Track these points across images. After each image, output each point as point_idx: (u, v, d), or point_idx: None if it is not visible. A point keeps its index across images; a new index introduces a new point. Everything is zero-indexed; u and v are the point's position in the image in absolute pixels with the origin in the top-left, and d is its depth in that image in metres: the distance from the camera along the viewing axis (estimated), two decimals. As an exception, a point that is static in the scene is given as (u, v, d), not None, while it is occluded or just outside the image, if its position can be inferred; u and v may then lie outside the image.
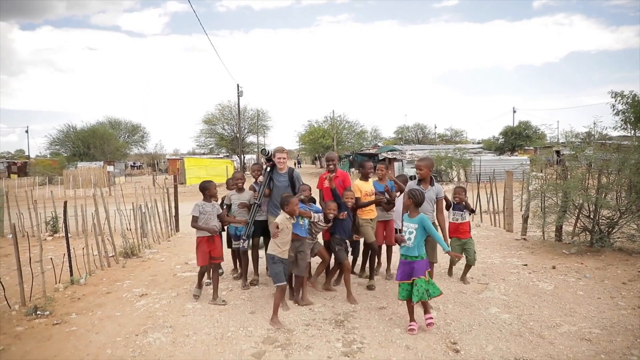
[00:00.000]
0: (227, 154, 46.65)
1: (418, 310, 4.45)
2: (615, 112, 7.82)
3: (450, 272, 6.15)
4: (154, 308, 5.09)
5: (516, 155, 33.87)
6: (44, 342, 4.24)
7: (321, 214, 5.27)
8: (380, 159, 29.90)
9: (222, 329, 4.44)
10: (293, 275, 5.19)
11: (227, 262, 6.49)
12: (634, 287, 5.39)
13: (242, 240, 5.58)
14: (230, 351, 3.97)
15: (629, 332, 4.15)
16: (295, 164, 57.57)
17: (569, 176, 7.72)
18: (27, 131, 58.50)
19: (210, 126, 46.64)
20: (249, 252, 5.96)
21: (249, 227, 5.44)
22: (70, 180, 26.09)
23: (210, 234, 5.18)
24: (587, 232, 7.50)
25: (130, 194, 11.63)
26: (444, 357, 3.80)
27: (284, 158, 5.76)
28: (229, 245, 6.14)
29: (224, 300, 5.22)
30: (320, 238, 5.63)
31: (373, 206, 5.72)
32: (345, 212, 5.29)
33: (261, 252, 6.15)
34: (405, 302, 4.47)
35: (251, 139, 49.10)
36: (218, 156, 44.30)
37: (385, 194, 5.78)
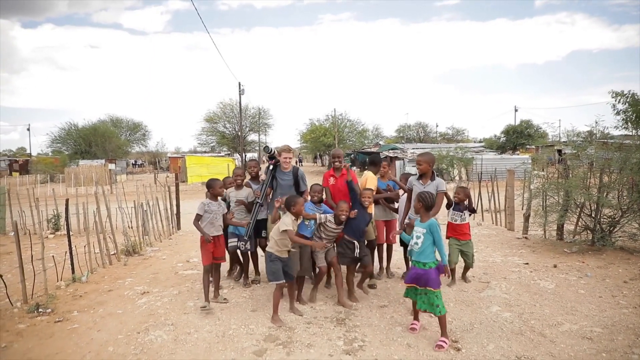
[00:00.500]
0: (229, 152, 46.70)
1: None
2: (616, 111, 7.77)
3: (453, 278, 5.84)
4: (156, 306, 5.11)
5: (518, 154, 33.82)
6: (46, 339, 4.25)
7: (329, 215, 5.01)
8: (382, 157, 29.84)
9: (223, 327, 4.45)
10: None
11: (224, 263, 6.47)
12: (636, 286, 5.39)
13: (242, 243, 5.54)
14: (232, 349, 3.98)
15: (630, 331, 4.15)
16: (296, 162, 57.60)
17: (570, 175, 7.71)
18: (28, 129, 58.79)
19: (211, 124, 46.76)
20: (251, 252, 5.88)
21: (250, 228, 5.31)
22: (72, 178, 26.15)
23: (210, 236, 4.97)
24: (589, 231, 7.49)
25: (132, 192, 11.65)
26: (445, 355, 3.80)
27: (290, 158, 5.62)
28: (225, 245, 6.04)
29: (225, 299, 5.19)
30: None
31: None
32: (356, 210, 4.96)
33: (260, 251, 6.12)
34: (410, 300, 4.40)
35: (252, 137, 49.23)
36: (219, 154, 44.32)
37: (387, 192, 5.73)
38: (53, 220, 10.46)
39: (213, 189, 5.12)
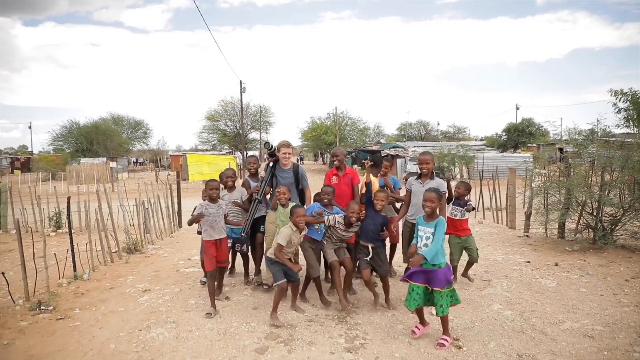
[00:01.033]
0: (230, 150, 46.71)
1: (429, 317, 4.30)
2: (617, 110, 7.76)
3: (454, 277, 5.77)
4: (157, 303, 5.12)
5: (519, 153, 33.78)
6: (48, 336, 4.27)
7: (339, 216, 4.82)
8: (383, 155, 29.84)
9: (225, 325, 4.45)
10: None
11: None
12: (637, 285, 5.38)
13: (238, 245, 5.45)
14: (233, 347, 3.99)
15: (632, 329, 4.15)
16: (297, 160, 57.60)
17: (572, 173, 7.70)
18: (30, 127, 58.74)
19: (213, 122, 46.77)
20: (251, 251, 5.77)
21: (248, 225, 5.12)
22: (74, 176, 26.18)
23: (211, 238, 4.86)
24: (590, 230, 7.48)
25: (133, 190, 11.66)
26: (446, 353, 3.81)
27: (289, 153, 5.48)
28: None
29: (227, 297, 5.18)
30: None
31: None
32: (364, 212, 4.76)
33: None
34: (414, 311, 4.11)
35: (254, 135, 49.20)
36: (221, 152, 44.33)
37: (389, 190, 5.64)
38: (55, 218, 10.47)
39: (205, 190, 4.98)
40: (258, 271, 5.72)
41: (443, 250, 4.02)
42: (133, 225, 8.89)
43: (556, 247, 7.44)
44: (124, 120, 53.90)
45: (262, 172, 5.77)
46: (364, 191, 5.18)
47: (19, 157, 50.77)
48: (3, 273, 5.16)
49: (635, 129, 7.82)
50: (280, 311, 4.60)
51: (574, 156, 8.08)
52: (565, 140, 9.85)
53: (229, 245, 5.40)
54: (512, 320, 4.45)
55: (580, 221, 7.66)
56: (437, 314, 3.97)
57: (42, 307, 4.91)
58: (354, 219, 4.67)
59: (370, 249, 4.75)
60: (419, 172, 5.15)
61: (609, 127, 7.74)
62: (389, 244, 5.97)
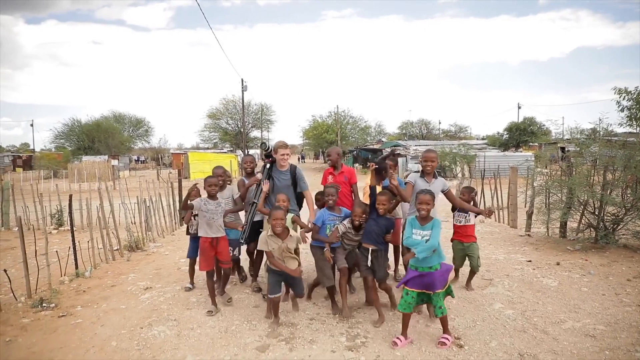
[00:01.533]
0: (231, 148, 46.75)
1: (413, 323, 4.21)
2: (620, 108, 7.73)
3: (456, 276, 5.58)
4: (159, 301, 5.12)
5: (521, 152, 33.73)
6: (50, 334, 4.28)
7: (347, 221, 4.64)
8: (389, 154, 29.83)
9: (226, 323, 4.46)
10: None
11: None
12: (639, 284, 5.37)
13: (231, 248, 5.09)
14: (235, 344, 4.00)
15: (634, 329, 4.14)
16: (298, 159, 57.60)
17: (574, 172, 7.68)
18: (32, 125, 58.67)
19: (214, 121, 46.81)
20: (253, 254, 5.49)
21: (246, 231, 4.91)
22: (75, 174, 26.20)
23: (207, 235, 4.73)
24: (592, 229, 7.47)
25: (135, 188, 11.67)
26: (447, 352, 3.80)
27: (287, 155, 5.22)
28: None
29: (230, 298, 5.01)
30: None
31: None
32: (364, 216, 4.56)
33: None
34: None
35: (255, 133, 49.18)
36: (222, 151, 44.37)
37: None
38: (56, 216, 10.49)
39: (204, 187, 4.83)
40: (256, 276, 5.56)
41: (440, 252, 3.91)
42: (134, 223, 8.90)
43: (558, 246, 7.43)
44: (126, 118, 53.92)
45: (258, 175, 5.44)
46: (387, 201, 4.60)
47: (21, 154, 50.86)
48: (5, 270, 5.17)
49: (638, 128, 7.78)
50: (280, 309, 4.58)
51: (575, 155, 8.06)
52: (567, 139, 9.82)
53: (230, 254, 5.13)
54: (514, 319, 4.44)
55: (582, 220, 7.65)
56: (435, 315, 3.94)
57: (44, 305, 4.93)
58: (357, 222, 4.55)
59: (370, 252, 4.56)
60: (421, 169, 4.96)
61: (611, 125, 7.71)
62: (393, 246, 5.69)
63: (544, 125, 39.81)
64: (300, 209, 5.44)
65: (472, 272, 5.38)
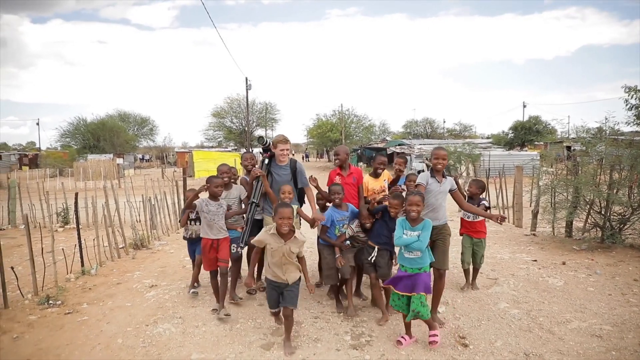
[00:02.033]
0: (236, 147, 46.81)
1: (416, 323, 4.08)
2: (628, 107, 7.67)
3: (467, 282, 5.42)
4: (164, 299, 5.14)
5: (526, 151, 33.58)
6: (56, 330, 4.30)
7: (355, 223, 4.64)
8: (397, 152, 29.76)
9: (231, 321, 4.47)
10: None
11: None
12: (646, 284, 5.34)
13: (234, 245, 4.89)
14: (240, 342, 4.00)
15: (640, 329, 4.11)
16: (303, 157, 57.59)
17: (580, 172, 7.64)
18: (38, 123, 59.07)
19: (218, 119, 46.90)
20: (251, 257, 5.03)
21: (246, 232, 4.67)
22: (81, 173, 26.35)
23: (207, 236, 4.59)
24: (598, 228, 7.43)
25: (140, 187, 11.71)
26: (452, 351, 3.80)
27: (287, 150, 4.90)
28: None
29: (227, 314, 4.50)
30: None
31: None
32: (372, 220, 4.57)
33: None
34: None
35: (259, 132, 49.20)
36: (226, 149, 44.45)
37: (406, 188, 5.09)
38: (62, 214, 10.55)
39: (209, 187, 4.64)
40: (258, 278, 5.36)
41: (429, 253, 3.88)
42: (140, 221, 8.94)
43: (563, 246, 7.39)
44: (131, 117, 54.12)
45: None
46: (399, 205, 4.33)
47: (27, 153, 51.20)
48: (12, 268, 5.20)
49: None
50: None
51: (582, 154, 8.01)
52: (573, 138, 9.77)
53: (234, 250, 4.96)
54: (519, 319, 4.42)
55: (588, 220, 7.60)
56: (423, 318, 3.79)
57: (50, 302, 4.96)
58: (368, 224, 4.55)
59: (376, 250, 4.51)
60: (423, 168, 4.96)
61: (618, 123, 7.67)
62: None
63: (549, 124, 39.62)
64: (301, 206, 5.16)
65: (476, 270, 5.36)
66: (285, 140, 4.88)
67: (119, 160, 33.36)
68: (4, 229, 10.31)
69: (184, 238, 5.55)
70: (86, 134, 43.84)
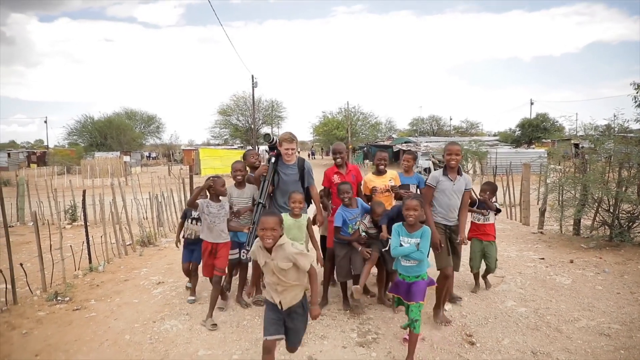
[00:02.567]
0: (242, 144, 46.89)
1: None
2: (637, 104, 7.61)
3: (476, 284, 5.27)
4: (171, 296, 5.17)
5: (533, 148, 33.35)
6: (65, 327, 4.34)
7: (367, 220, 4.57)
8: (404, 149, 29.64)
9: (238, 317, 4.48)
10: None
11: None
12: (655, 283, 5.29)
13: (244, 251, 4.69)
14: (246, 339, 4.02)
15: (650, 328, 4.08)
16: (308, 155, 57.55)
17: (588, 169, 7.57)
18: (45, 121, 59.67)
19: (225, 117, 46.98)
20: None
21: (252, 234, 4.29)
22: (88, 170, 26.53)
23: (206, 239, 4.43)
24: (606, 227, 7.37)
25: (147, 184, 11.77)
26: (459, 349, 3.79)
27: (292, 149, 4.62)
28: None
29: (214, 324, 4.27)
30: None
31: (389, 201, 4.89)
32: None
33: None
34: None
35: (265, 130, 49.26)
36: (232, 147, 44.54)
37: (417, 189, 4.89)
38: (70, 211, 10.63)
39: (214, 188, 4.43)
40: (259, 289, 4.94)
41: (427, 261, 3.68)
42: (146, 219, 8.99)
43: (571, 244, 7.34)
44: (137, 115, 54.36)
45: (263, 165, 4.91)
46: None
47: (35, 151, 51.58)
48: (21, 264, 5.25)
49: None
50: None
51: (590, 152, 7.94)
52: (581, 135, 9.68)
53: (236, 256, 4.79)
54: (527, 317, 4.40)
55: (597, 218, 7.54)
56: (415, 330, 3.55)
57: (58, 298, 5.00)
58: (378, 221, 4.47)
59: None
60: (430, 166, 4.88)
61: (627, 121, 7.59)
62: None
63: (557, 121, 39.36)
64: (308, 206, 4.95)
65: (487, 272, 5.21)
66: (290, 139, 4.60)
67: (126, 158, 33.57)
68: (12, 226, 10.40)
69: (183, 237, 5.21)
70: (93, 131, 44.12)
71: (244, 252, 4.74)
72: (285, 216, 4.17)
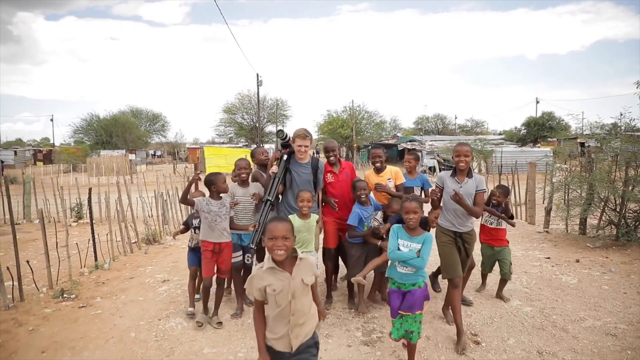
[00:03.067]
0: (246, 143, 46.98)
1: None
2: (643, 102, 7.59)
3: (482, 283, 5.22)
4: (176, 294, 5.19)
5: (539, 147, 33.19)
6: (71, 324, 4.37)
7: (379, 216, 4.51)
8: (408, 148, 29.60)
9: (243, 316, 4.49)
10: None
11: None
12: (662, 283, 5.25)
13: (248, 255, 4.58)
14: (251, 337, 4.02)
15: (657, 328, 4.05)
16: (313, 153, 57.60)
17: (594, 168, 7.52)
18: (52, 120, 60.01)
19: (229, 115, 47.10)
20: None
21: (258, 233, 4.07)
22: (94, 168, 26.65)
23: (207, 238, 4.25)
24: (613, 226, 7.32)
25: (152, 182, 11.81)
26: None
27: (306, 147, 4.41)
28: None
29: (219, 322, 4.28)
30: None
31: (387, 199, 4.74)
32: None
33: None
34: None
35: (270, 128, 49.28)
36: (237, 145, 44.62)
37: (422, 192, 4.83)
38: (76, 209, 10.70)
39: (215, 185, 4.24)
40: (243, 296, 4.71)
41: (425, 271, 3.45)
42: (152, 217, 9.03)
43: (577, 243, 7.30)
44: (143, 113, 54.63)
45: (274, 167, 4.54)
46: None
47: (41, 149, 51.90)
48: (27, 262, 5.28)
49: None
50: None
51: (596, 151, 7.89)
52: (587, 134, 9.62)
53: (239, 259, 4.59)
54: (532, 316, 4.38)
55: (603, 217, 7.49)
56: (412, 341, 3.36)
57: (64, 295, 5.03)
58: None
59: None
60: (434, 165, 4.80)
61: (634, 120, 7.54)
62: None
63: (563, 120, 39.17)
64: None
65: (504, 281, 4.88)
66: (304, 135, 4.37)
67: (131, 156, 33.73)
68: (19, 224, 10.48)
69: (189, 247, 4.87)
70: (99, 130, 44.39)
71: (247, 256, 4.65)
72: (293, 218, 4.08)
